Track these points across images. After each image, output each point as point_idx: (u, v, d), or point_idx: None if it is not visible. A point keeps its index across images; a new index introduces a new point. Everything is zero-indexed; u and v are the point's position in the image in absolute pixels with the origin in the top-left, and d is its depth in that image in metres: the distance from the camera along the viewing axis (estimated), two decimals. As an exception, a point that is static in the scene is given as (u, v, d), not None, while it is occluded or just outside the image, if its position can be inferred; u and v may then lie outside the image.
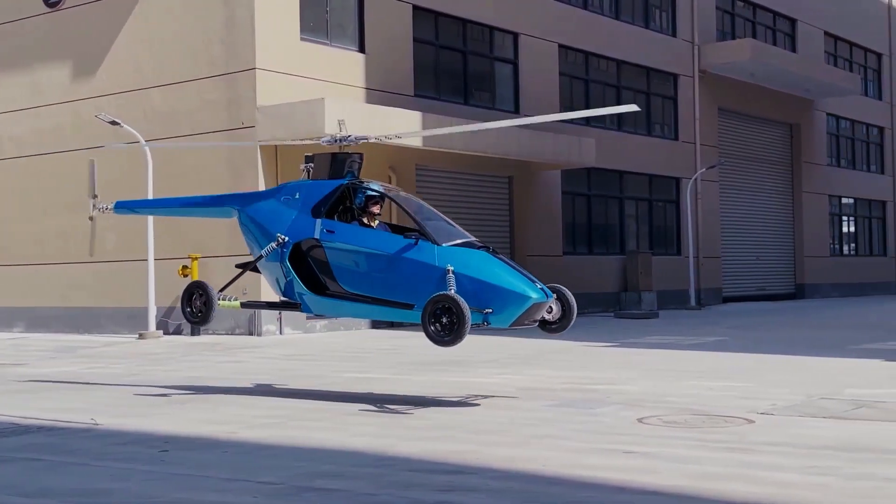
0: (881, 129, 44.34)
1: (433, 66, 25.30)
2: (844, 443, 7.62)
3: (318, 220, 10.30)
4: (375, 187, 10.59)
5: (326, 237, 10.22)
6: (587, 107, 29.82)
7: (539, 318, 9.80)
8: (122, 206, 12.98)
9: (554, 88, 28.28)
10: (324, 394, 11.31)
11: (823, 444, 7.55)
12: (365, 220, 10.40)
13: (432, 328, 9.29)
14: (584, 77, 29.90)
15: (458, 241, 9.91)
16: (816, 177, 39.39)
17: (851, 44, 42.13)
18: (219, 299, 10.73)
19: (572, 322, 9.98)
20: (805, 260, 38.25)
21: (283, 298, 10.82)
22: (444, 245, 9.74)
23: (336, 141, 10.82)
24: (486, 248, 9.95)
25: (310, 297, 10.43)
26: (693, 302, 30.72)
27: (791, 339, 18.32)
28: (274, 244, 10.42)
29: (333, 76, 22.19)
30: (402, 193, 11.01)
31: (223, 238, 21.02)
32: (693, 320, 24.56)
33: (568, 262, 28.41)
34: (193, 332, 20.90)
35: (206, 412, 9.92)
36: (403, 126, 21.50)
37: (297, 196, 10.61)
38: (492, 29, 26.77)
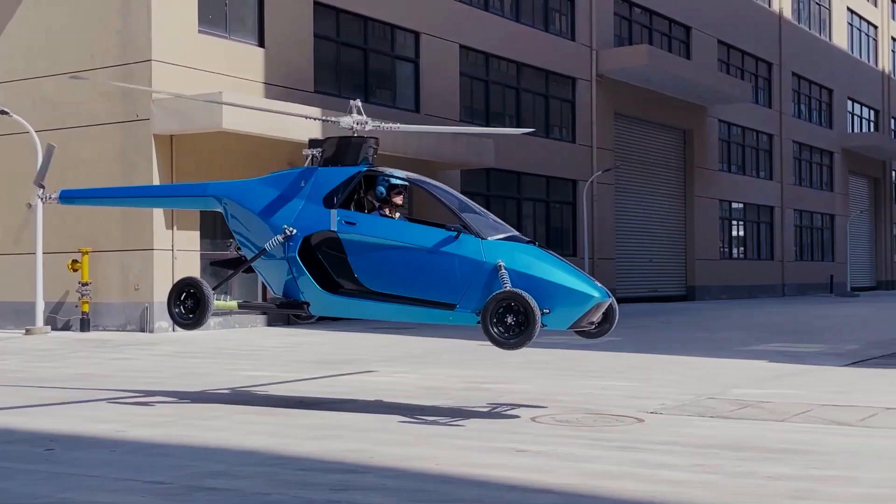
0: (770, 137, 45.68)
1: (334, 63, 25.18)
2: (730, 442, 7.82)
3: (334, 211, 9.27)
4: (399, 174, 9.55)
5: (346, 230, 9.21)
6: (487, 109, 30.08)
7: (596, 319, 8.96)
8: (70, 196, 11.51)
9: (454, 88, 28.40)
10: (216, 392, 11.15)
11: (710, 443, 7.74)
12: (387, 212, 9.45)
13: (496, 330, 8.40)
14: (485, 78, 30.11)
15: (505, 235, 9.02)
16: (708, 182, 40.38)
17: (743, 52, 43.30)
18: (215, 298, 9.54)
19: (613, 326, 9.20)
20: (696, 263, 39.18)
21: (282, 298, 9.69)
22: (489, 239, 8.84)
23: (351, 124, 9.77)
24: (533, 243, 9.10)
25: (322, 297, 9.36)
26: (588, 302, 31.14)
27: (681, 339, 18.73)
28: (280, 237, 9.35)
29: (232, 70, 21.90)
30: (431, 181, 9.80)
31: (115, 232, 20.58)
32: (587, 320, 24.86)
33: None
34: (83, 329, 20.41)
35: (94, 410, 9.69)
36: (301, 121, 21.34)
37: (303, 184, 9.55)
38: (393, 27, 26.76)
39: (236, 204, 9.93)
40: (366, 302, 9.23)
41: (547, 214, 32.70)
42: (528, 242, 9.03)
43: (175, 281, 9.80)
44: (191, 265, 20.95)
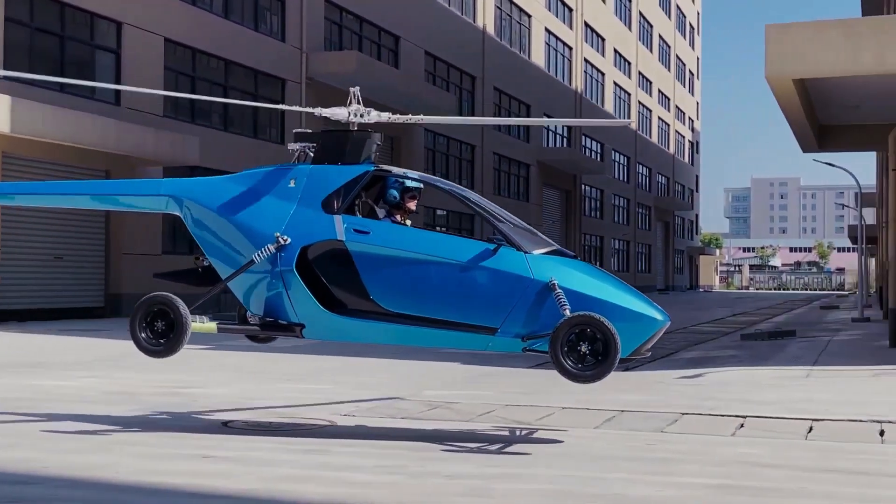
0: (473, 147, 47.50)
1: (27, 49, 23.75)
2: (417, 442, 8.05)
3: (339, 217, 7.99)
4: (413, 175, 8.43)
5: (357, 239, 7.91)
6: (193, 105, 29.36)
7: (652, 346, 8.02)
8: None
9: (159, 83, 27.53)
10: None
11: (397, 444, 7.93)
12: (398, 219, 8.28)
13: (569, 361, 7.41)
14: (191, 74, 29.40)
15: (549, 249, 7.94)
16: (413, 188, 41.36)
17: (449, 65, 44.77)
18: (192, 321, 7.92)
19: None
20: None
21: (267, 319, 8.21)
22: (534, 253, 7.80)
23: (349, 115, 8.45)
24: (575, 257, 8.10)
25: (324, 318, 7.98)
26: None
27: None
28: (272, 247, 7.92)
29: None
30: (449, 183, 8.61)
31: None
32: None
33: (168, 262, 27.76)
34: None
35: None
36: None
37: (292, 184, 8.17)
38: (93, 15, 25.62)
39: (203, 207, 8.39)
40: (383, 325, 7.98)
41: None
42: (571, 257, 8.05)
43: (141, 298, 8.06)
44: None
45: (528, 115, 53.95)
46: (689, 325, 27.19)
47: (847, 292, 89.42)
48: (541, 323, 7.63)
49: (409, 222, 8.37)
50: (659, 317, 7.80)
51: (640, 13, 75.40)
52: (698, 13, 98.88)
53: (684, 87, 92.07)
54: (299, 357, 15.53)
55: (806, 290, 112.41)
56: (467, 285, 7.80)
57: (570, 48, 60.39)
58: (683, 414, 9.75)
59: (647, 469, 7.10)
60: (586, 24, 62.73)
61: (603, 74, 66.40)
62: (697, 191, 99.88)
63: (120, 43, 26.37)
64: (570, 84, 60.31)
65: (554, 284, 7.57)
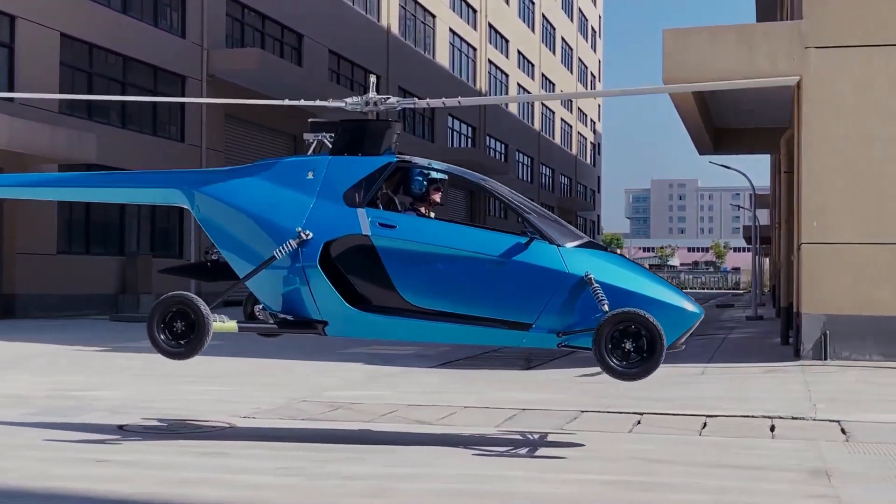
0: (377, 147, 47.38)
1: (-86, 41, 22.95)
2: (317, 443, 8.02)
3: (362, 211, 7.69)
4: (437, 166, 8.06)
5: (383, 233, 7.62)
6: (90, 102, 28.71)
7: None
8: None
9: (54, 79, 26.88)
10: None
11: (297, 446, 7.89)
12: (422, 211, 8.00)
13: (615, 359, 7.21)
14: (88, 70, 28.75)
15: (582, 241, 7.71)
16: (317, 187, 41.08)
17: (353, 63, 44.60)
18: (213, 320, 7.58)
19: None
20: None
21: (285, 316, 7.93)
22: (567, 246, 7.57)
23: (367, 104, 8.16)
24: (606, 249, 7.89)
25: (349, 315, 7.68)
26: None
27: (291, 343, 18.84)
28: (293, 242, 7.62)
29: None
30: (473, 173, 8.34)
31: None
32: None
33: (63, 262, 27.14)
34: None
35: None
36: None
37: (310, 176, 7.90)
38: (-15, 8, 24.88)
39: (215, 200, 8.06)
40: (411, 321, 7.67)
41: (152, 214, 31.80)
42: (603, 249, 7.86)
43: (159, 298, 7.75)
44: None
45: (432, 117, 54.12)
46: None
47: (742, 291, 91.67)
48: (576, 318, 7.45)
49: (432, 215, 8.08)
50: (695, 309, 7.66)
51: (544, 15, 76.21)
52: (600, 17, 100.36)
53: (586, 89, 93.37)
54: (198, 358, 15.23)
55: (703, 289, 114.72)
56: (499, 280, 7.56)
57: (475, 49, 60.73)
58: (583, 411, 9.90)
59: (546, 466, 7.19)
60: (490, 26, 63.15)
61: (507, 76, 66.92)
62: (599, 192, 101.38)
63: (13, 37, 25.65)
64: (475, 84, 60.64)
65: (590, 278, 7.36)
